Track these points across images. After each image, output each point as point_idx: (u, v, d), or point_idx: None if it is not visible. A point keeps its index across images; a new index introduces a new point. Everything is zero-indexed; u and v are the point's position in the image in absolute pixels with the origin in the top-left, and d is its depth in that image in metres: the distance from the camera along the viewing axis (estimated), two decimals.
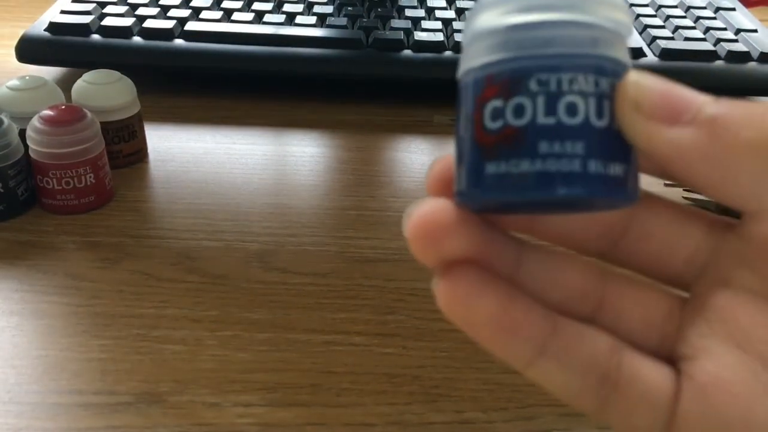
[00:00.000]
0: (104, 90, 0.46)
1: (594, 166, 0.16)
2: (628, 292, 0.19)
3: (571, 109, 0.16)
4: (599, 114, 0.16)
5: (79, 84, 0.47)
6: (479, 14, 0.17)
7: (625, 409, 0.18)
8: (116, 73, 0.47)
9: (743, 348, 0.17)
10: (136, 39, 0.56)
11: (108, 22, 0.57)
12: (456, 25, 0.60)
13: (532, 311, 0.18)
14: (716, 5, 0.64)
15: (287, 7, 0.61)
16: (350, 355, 0.34)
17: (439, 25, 0.59)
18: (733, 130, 0.16)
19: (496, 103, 0.16)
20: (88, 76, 0.47)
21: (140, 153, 0.49)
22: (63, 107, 0.42)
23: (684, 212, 0.19)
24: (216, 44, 0.56)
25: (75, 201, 0.43)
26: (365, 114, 0.57)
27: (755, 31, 0.60)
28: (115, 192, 0.45)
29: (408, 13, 0.61)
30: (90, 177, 0.43)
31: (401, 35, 0.57)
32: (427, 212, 0.17)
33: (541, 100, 0.16)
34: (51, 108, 0.42)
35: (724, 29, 0.60)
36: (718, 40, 0.58)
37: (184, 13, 0.59)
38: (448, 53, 0.57)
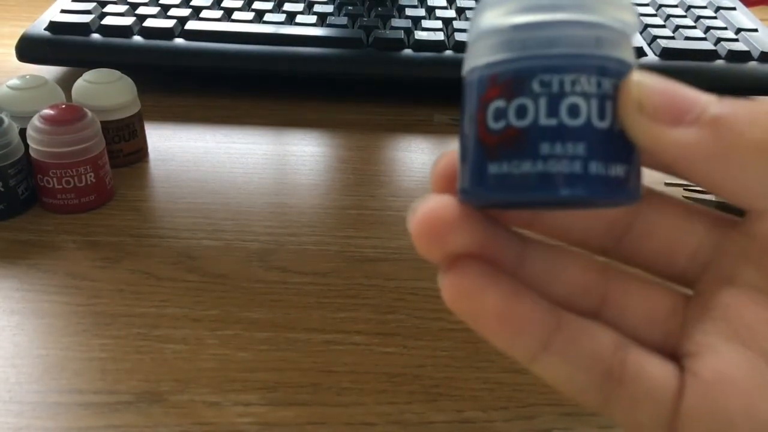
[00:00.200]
0: (104, 89, 0.46)
1: (595, 167, 0.16)
2: (632, 289, 0.19)
3: (573, 111, 0.16)
4: (601, 115, 0.16)
5: (80, 83, 0.47)
6: (484, 12, 0.17)
7: (629, 404, 0.18)
8: (116, 73, 0.47)
9: (747, 345, 0.17)
10: (137, 38, 0.56)
11: (108, 21, 0.57)
12: (456, 24, 0.59)
13: (536, 306, 0.18)
14: (717, 5, 0.64)
15: (287, 7, 0.61)
16: (350, 355, 0.34)
17: (439, 24, 0.59)
18: (738, 129, 0.16)
19: (499, 103, 0.16)
20: (89, 76, 0.47)
21: (140, 152, 0.49)
22: (63, 106, 0.42)
23: (687, 209, 0.19)
24: (216, 43, 0.56)
25: (75, 200, 0.43)
26: (365, 113, 0.57)
27: (756, 30, 0.60)
28: (116, 191, 0.45)
29: (408, 12, 0.61)
30: (90, 176, 0.43)
31: (401, 34, 0.57)
32: (431, 208, 0.17)
33: (543, 102, 0.16)
34: (51, 107, 0.42)
35: (725, 29, 0.60)
36: (719, 40, 0.58)
37: (185, 12, 0.59)
38: (448, 53, 0.57)
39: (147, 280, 0.38)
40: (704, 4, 0.65)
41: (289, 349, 0.35)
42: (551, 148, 0.16)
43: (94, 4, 0.59)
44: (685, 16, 0.62)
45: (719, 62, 0.57)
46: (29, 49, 0.56)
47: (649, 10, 0.64)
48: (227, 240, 0.42)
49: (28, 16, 0.65)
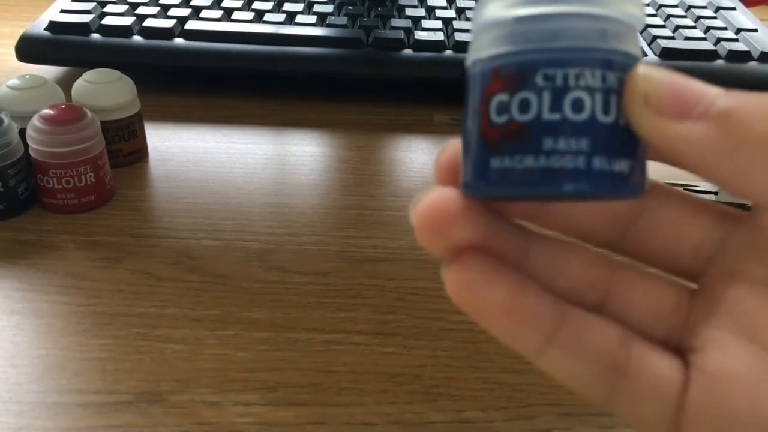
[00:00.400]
0: (104, 89, 0.46)
1: (599, 162, 0.16)
2: (636, 283, 0.19)
3: (577, 105, 0.16)
4: (605, 110, 0.16)
5: (80, 83, 0.47)
6: (488, 3, 0.17)
7: (633, 399, 0.18)
8: (116, 72, 0.47)
9: (752, 340, 0.17)
10: (137, 38, 0.56)
11: (108, 21, 0.57)
12: (456, 24, 0.59)
13: (541, 299, 0.18)
14: (716, 5, 0.64)
15: (287, 7, 0.61)
16: (350, 355, 0.34)
17: (439, 24, 0.59)
18: (747, 123, 0.15)
19: (502, 97, 0.16)
20: (89, 75, 0.47)
21: (140, 152, 0.49)
22: (63, 106, 0.42)
23: (692, 203, 0.19)
24: (216, 43, 0.56)
25: (75, 200, 0.43)
26: (365, 113, 0.57)
27: (755, 30, 0.60)
28: (116, 191, 0.45)
29: (408, 12, 0.61)
30: (90, 176, 0.43)
31: (401, 34, 0.57)
32: (433, 200, 0.17)
33: (546, 96, 0.16)
34: (51, 107, 0.42)
35: (725, 29, 0.60)
36: (719, 40, 0.58)
37: (184, 12, 0.59)
38: (448, 52, 0.57)
39: (147, 280, 0.38)
40: (704, 4, 0.64)
41: (289, 349, 0.35)
42: (554, 143, 0.16)
43: (94, 4, 0.59)
44: (685, 16, 0.62)
45: (719, 62, 0.57)
46: (29, 48, 0.56)
47: (649, 10, 0.64)
48: (227, 240, 0.42)
49: (28, 16, 0.65)
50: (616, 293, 0.19)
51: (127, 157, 0.48)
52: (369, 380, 0.33)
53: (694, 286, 0.19)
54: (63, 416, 0.31)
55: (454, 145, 0.18)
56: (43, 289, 0.37)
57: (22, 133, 0.42)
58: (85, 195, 0.43)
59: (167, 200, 0.45)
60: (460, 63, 0.56)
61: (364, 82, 0.58)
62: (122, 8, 0.59)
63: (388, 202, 0.46)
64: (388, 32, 0.58)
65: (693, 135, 0.16)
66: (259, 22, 0.59)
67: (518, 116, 0.16)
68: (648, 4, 0.65)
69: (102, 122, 0.44)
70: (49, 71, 0.58)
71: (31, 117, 0.42)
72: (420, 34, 0.57)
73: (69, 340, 0.34)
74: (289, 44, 0.56)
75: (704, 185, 0.45)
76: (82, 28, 0.56)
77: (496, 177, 0.16)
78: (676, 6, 0.64)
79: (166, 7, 0.59)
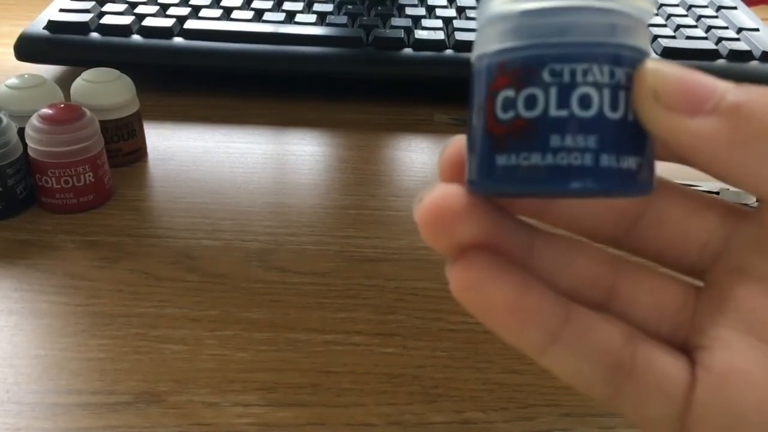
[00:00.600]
0: (103, 88, 0.46)
1: (607, 160, 0.15)
2: (641, 281, 0.19)
3: (585, 102, 0.15)
4: (614, 106, 0.16)
5: (78, 82, 0.46)
6: None
7: (639, 398, 0.18)
8: (115, 72, 0.47)
9: (760, 337, 0.17)
10: (136, 37, 0.56)
11: (107, 20, 0.57)
12: (457, 23, 0.59)
13: (546, 298, 0.18)
14: (718, 4, 0.64)
15: (287, 6, 0.61)
16: (350, 355, 0.34)
17: (439, 23, 0.59)
18: (759, 117, 0.15)
19: (508, 92, 0.16)
20: (87, 75, 0.47)
21: (139, 152, 0.49)
22: (62, 106, 0.42)
23: (699, 199, 0.19)
24: (215, 43, 0.56)
25: (74, 200, 0.43)
26: (365, 113, 0.57)
27: (757, 30, 0.60)
28: (114, 191, 0.45)
29: (408, 11, 0.61)
30: (89, 176, 0.42)
31: (401, 34, 0.57)
32: (437, 197, 0.17)
33: (553, 92, 0.15)
34: (50, 106, 0.42)
35: (726, 28, 0.60)
36: (720, 39, 0.58)
37: (184, 11, 0.58)
38: (448, 52, 0.56)
39: (146, 280, 0.38)
40: (705, 4, 0.64)
41: (288, 350, 0.34)
42: (561, 140, 0.15)
43: (93, 3, 0.59)
44: (686, 16, 0.62)
45: (720, 62, 0.57)
46: (28, 48, 0.56)
47: None
48: (226, 240, 0.42)
49: (27, 15, 0.65)
50: (621, 291, 0.19)
51: (126, 156, 0.48)
52: (369, 381, 0.33)
53: (700, 283, 0.19)
54: (61, 417, 0.30)
55: (457, 140, 0.18)
56: (41, 289, 0.37)
57: (21, 132, 0.42)
58: (84, 195, 0.43)
59: (166, 200, 0.45)
60: (460, 62, 0.55)
61: (364, 81, 0.58)
62: (121, 7, 0.58)
63: (388, 202, 0.46)
64: (388, 31, 0.57)
65: (704, 130, 0.15)
66: (258, 21, 0.59)
67: (524, 112, 0.16)
68: None
69: (101, 121, 0.44)
70: (47, 70, 0.58)
71: (30, 116, 0.42)
72: (420, 34, 0.57)
73: (67, 341, 0.34)
74: (289, 43, 0.56)
75: (705, 185, 0.45)
76: (81, 28, 0.56)
77: (502, 174, 0.16)
78: (677, 5, 0.64)
79: (165, 6, 0.59)
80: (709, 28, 0.60)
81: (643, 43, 0.16)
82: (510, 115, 0.16)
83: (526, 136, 0.16)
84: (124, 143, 0.47)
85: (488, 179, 0.16)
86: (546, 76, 0.15)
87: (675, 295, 0.19)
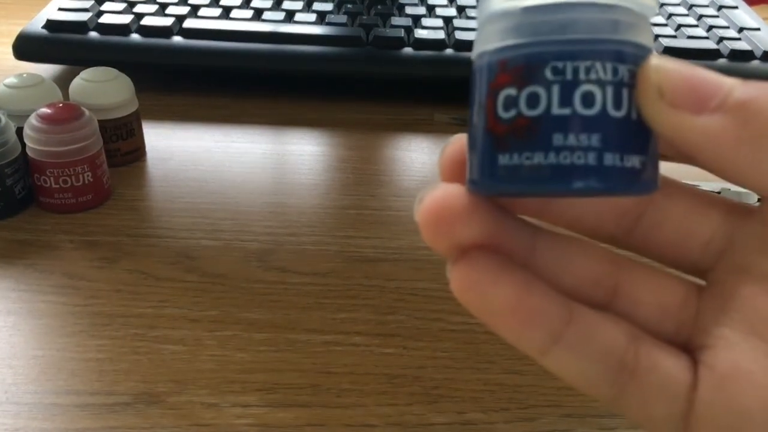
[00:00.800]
0: (102, 88, 0.46)
1: (610, 158, 0.15)
2: (643, 280, 0.19)
3: (588, 99, 0.15)
4: (617, 104, 0.15)
5: (77, 82, 0.46)
6: None
7: (642, 398, 0.18)
8: (114, 71, 0.47)
9: (763, 337, 0.17)
10: (134, 36, 0.56)
11: (106, 19, 0.57)
12: (457, 22, 0.59)
13: (548, 299, 0.18)
14: (719, 3, 0.64)
15: (286, 5, 0.61)
16: (350, 356, 0.34)
17: (440, 22, 0.59)
18: (765, 114, 0.15)
19: (510, 91, 0.16)
20: (86, 74, 0.46)
21: (138, 151, 0.49)
22: (60, 105, 0.42)
23: (701, 198, 0.19)
24: (214, 42, 0.56)
25: (72, 199, 0.42)
26: (365, 112, 0.56)
27: (758, 29, 0.60)
28: (113, 191, 0.45)
29: (408, 10, 0.61)
30: (88, 175, 0.42)
31: (401, 33, 0.57)
32: (438, 197, 0.17)
33: (556, 90, 0.15)
34: (48, 106, 0.42)
35: (727, 27, 0.60)
36: (721, 39, 0.58)
37: (183, 10, 0.58)
38: (449, 51, 0.56)
39: (145, 281, 0.38)
40: (706, 3, 0.64)
41: (288, 350, 0.34)
42: (564, 139, 0.15)
43: (92, 2, 0.59)
44: (687, 15, 0.62)
45: (722, 61, 0.57)
46: (26, 47, 0.56)
47: None
48: (226, 240, 0.41)
49: (26, 14, 0.64)
50: (624, 290, 0.19)
51: (124, 156, 0.48)
52: (369, 381, 0.33)
53: (702, 282, 0.19)
54: (60, 417, 0.30)
55: (458, 140, 0.18)
56: (39, 289, 0.37)
57: (20, 131, 0.42)
58: (83, 194, 0.43)
59: (165, 200, 0.45)
60: (460, 62, 0.55)
61: (364, 80, 0.57)
62: (120, 6, 0.58)
63: (388, 202, 0.46)
64: (388, 31, 0.57)
65: (710, 128, 0.15)
66: (258, 20, 0.59)
67: (526, 111, 0.15)
68: None
69: (99, 121, 0.44)
70: (46, 69, 0.58)
71: (29, 116, 0.41)
72: (420, 33, 0.57)
73: (66, 341, 0.34)
74: (289, 43, 0.56)
75: (706, 185, 0.45)
76: (80, 27, 0.56)
77: (504, 174, 0.16)
78: (678, 5, 0.64)
79: (164, 6, 0.59)
80: (710, 28, 0.60)
81: (647, 39, 0.16)
82: (511, 113, 0.16)
83: (528, 135, 0.15)
84: (122, 143, 0.47)
85: (490, 179, 0.16)
86: (548, 73, 0.15)
87: (677, 295, 0.19)
